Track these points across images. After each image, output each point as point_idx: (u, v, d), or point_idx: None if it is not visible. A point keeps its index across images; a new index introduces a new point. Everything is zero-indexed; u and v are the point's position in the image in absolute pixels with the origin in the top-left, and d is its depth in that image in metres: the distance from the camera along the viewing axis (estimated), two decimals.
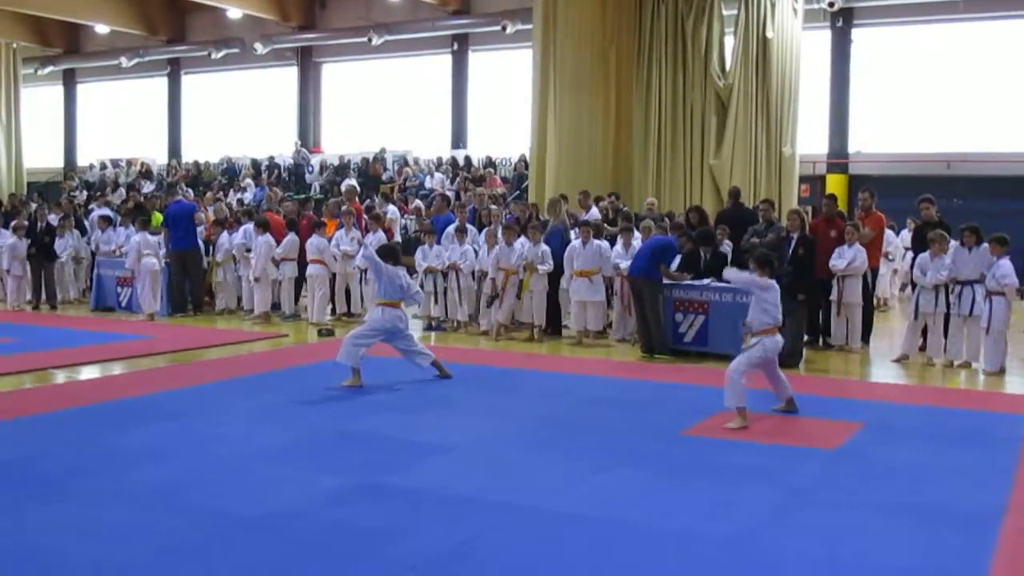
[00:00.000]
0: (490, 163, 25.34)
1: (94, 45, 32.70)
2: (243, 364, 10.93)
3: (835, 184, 21.56)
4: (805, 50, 20.02)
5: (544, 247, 12.75)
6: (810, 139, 21.21)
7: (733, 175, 19.26)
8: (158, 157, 31.67)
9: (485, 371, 10.48)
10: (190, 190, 22.81)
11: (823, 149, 22.51)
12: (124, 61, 31.19)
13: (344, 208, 15.32)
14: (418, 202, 21.37)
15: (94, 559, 4.77)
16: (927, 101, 21.79)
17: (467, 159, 25.44)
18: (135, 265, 14.79)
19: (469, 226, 14.20)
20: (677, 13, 20.02)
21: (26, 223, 16.78)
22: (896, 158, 21.61)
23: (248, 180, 26.39)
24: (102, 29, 30.54)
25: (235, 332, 13.56)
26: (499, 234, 13.07)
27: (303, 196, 22.85)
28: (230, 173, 28.35)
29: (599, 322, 12.65)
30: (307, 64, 29.98)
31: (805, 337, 11.69)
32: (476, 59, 27.37)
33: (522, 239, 12.94)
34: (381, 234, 14.26)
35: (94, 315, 15.69)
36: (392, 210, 18.51)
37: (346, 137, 29.09)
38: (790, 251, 11.15)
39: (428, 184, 24.30)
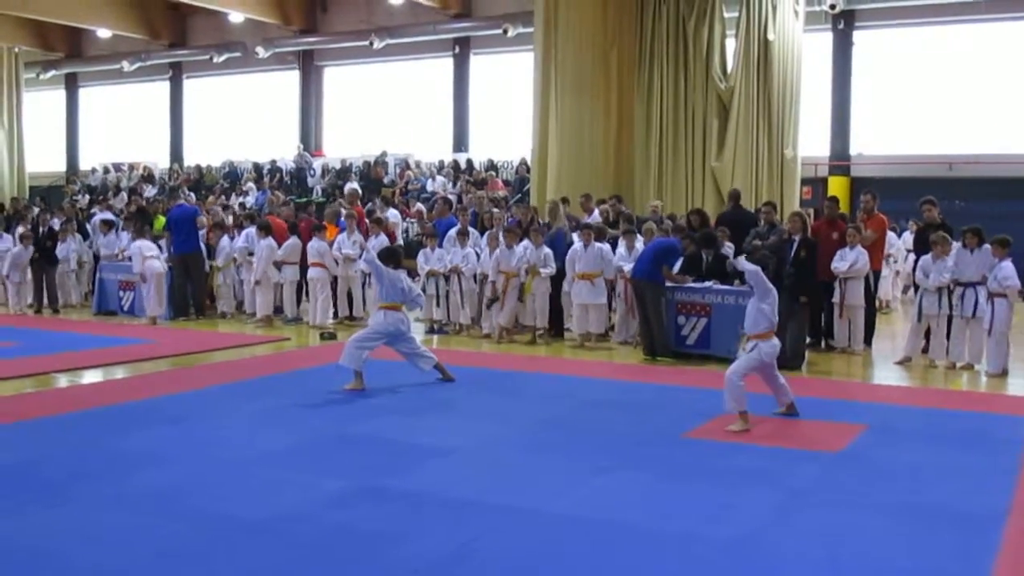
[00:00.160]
0: (492, 166, 25.37)
1: (96, 49, 32.79)
2: (245, 368, 10.94)
3: (837, 186, 21.57)
4: (806, 52, 20.05)
5: (547, 250, 12.76)
6: (812, 141, 21.24)
7: (735, 177, 19.27)
8: (160, 161, 31.75)
9: (487, 374, 10.48)
10: (192, 194, 22.82)
11: (825, 151, 22.53)
12: (126, 65, 31.27)
13: (346, 211, 15.33)
14: (420, 205, 21.38)
15: (96, 563, 4.77)
16: (929, 103, 21.81)
17: (469, 162, 25.47)
18: (142, 268, 14.77)
19: (471, 229, 14.21)
20: (678, 15, 20.05)
21: (31, 232, 16.77)
22: (898, 160, 21.62)
23: (250, 184, 26.43)
24: (104, 33, 30.63)
25: (237, 336, 13.56)
26: (500, 237, 13.07)
27: (305, 200, 22.90)
28: (232, 177, 28.40)
29: (601, 325, 12.66)
30: (309, 68, 30.02)
31: (807, 339, 11.68)
32: (477, 62, 27.41)
33: (525, 242, 12.95)
34: (383, 238, 14.26)
35: (96, 319, 15.70)
36: (393, 214, 18.52)
37: (348, 141, 29.15)
38: (792, 253, 11.14)
39: (430, 187, 24.33)
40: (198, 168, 29.51)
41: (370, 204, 19.33)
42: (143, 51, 31.08)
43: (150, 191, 26.87)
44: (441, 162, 25.99)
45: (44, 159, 33.47)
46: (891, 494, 5.96)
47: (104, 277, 16.39)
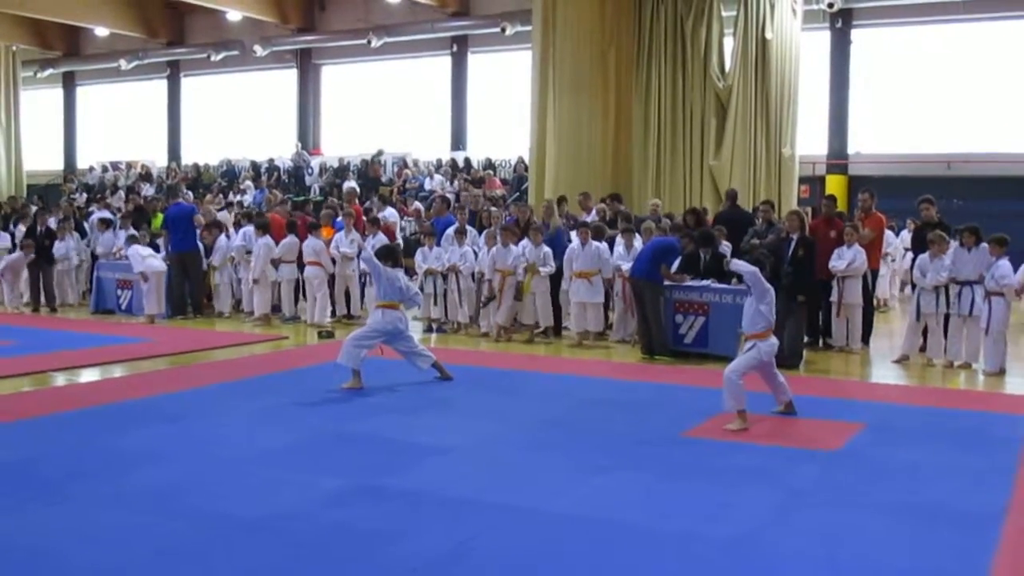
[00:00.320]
0: (490, 165, 25.36)
1: (94, 48, 32.75)
2: (243, 366, 10.93)
3: (835, 185, 21.58)
4: (804, 51, 20.06)
5: (546, 249, 12.76)
6: (810, 140, 21.24)
7: (733, 176, 19.29)
8: (158, 159, 31.72)
9: (485, 372, 10.48)
10: (190, 192, 22.81)
11: (823, 150, 22.53)
12: (124, 64, 31.23)
13: (344, 210, 15.33)
14: (418, 204, 21.38)
15: (94, 561, 4.76)
16: (927, 102, 21.81)
17: (467, 161, 25.46)
18: (143, 268, 14.72)
19: (469, 228, 14.21)
20: (676, 14, 20.06)
21: (32, 240, 16.75)
22: (896, 159, 21.63)
23: (248, 182, 26.41)
24: (102, 32, 30.58)
25: (235, 334, 13.55)
26: (498, 236, 13.07)
27: (302, 198, 22.89)
28: (230, 175, 28.37)
29: (599, 323, 12.66)
30: (306, 66, 30.00)
31: (805, 338, 11.69)
32: (475, 61, 27.39)
33: (525, 241, 12.96)
34: (381, 236, 14.25)
35: (94, 318, 15.68)
36: (391, 212, 18.51)
37: (346, 139, 29.13)
38: (790, 252, 11.14)
39: (428, 186, 24.32)
40: (196, 167, 29.49)
41: (368, 203, 19.33)
42: (141, 49, 31.04)
43: (148, 190, 26.85)
44: (439, 160, 25.99)
45: (42, 158, 33.43)
46: (889, 493, 5.96)
47: (101, 276, 16.37)
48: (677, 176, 20.14)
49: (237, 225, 16.03)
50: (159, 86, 32.75)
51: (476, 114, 27.43)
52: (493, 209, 15.96)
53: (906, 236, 17.12)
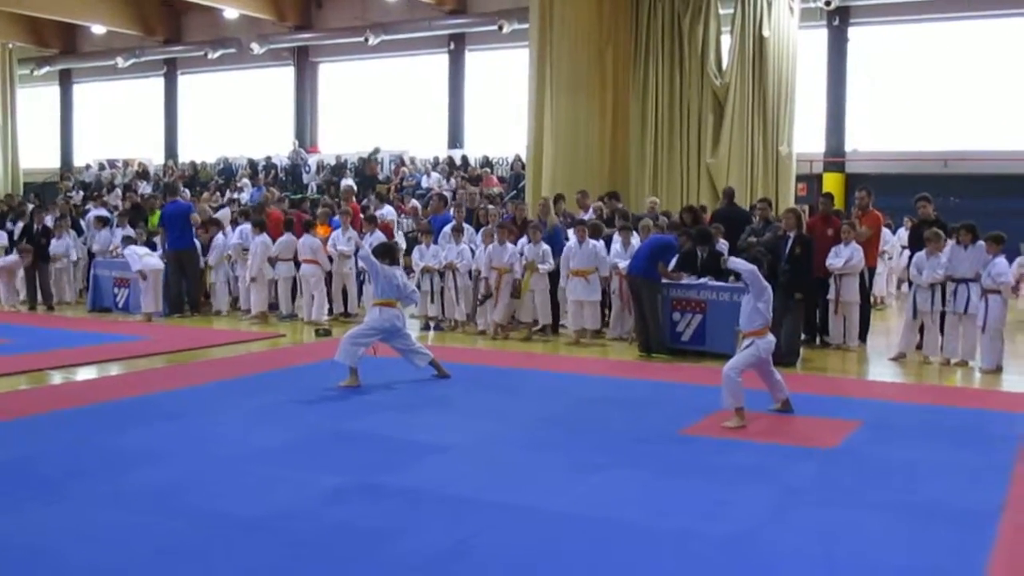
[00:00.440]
0: (487, 162, 25.35)
1: (90, 45, 32.69)
2: (241, 364, 10.93)
3: (832, 183, 21.58)
4: (801, 49, 20.05)
5: (545, 246, 12.78)
6: (807, 138, 21.24)
7: (730, 174, 19.28)
8: (154, 157, 31.69)
9: (483, 370, 10.48)
10: (186, 190, 22.78)
11: (820, 148, 22.54)
12: (120, 61, 31.17)
13: (341, 208, 15.33)
14: (415, 202, 21.37)
15: (92, 560, 4.76)
16: (924, 99, 21.83)
17: (464, 158, 25.45)
18: (141, 266, 14.69)
19: (466, 225, 14.21)
20: (673, 12, 20.04)
21: (29, 239, 16.74)
22: (893, 156, 21.65)
23: (245, 180, 26.38)
24: (98, 29, 30.52)
25: (232, 332, 13.55)
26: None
27: (300, 196, 22.88)
28: (227, 173, 28.35)
29: (596, 321, 12.67)
30: (303, 64, 29.97)
31: (802, 336, 11.70)
32: (472, 58, 27.37)
33: (524, 239, 12.98)
34: (379, 234, 14.25)
35: (91, 316, 15.67)
36: (389, 210, 18.51)
37: (343, 137, 29.11)
38: (787, 250, 11.15)
39: (425, 183, 24.30)
40: (193, 164, 29.46)
41: (365, 200, 19.32)
42: (137, 47, 31.00)
43: (145, 187, 26.82)
44: (436, 158, 25.97)
45: (38, 155, 33.38)
46: (886, 490, 5.97)
47: (98, 274, 16.36)
48: (674, 174, 20.13)
49: (234, 223, 16.01)
50: (156, 84, 32.70)
51: (473, 112, 27.41)
52: (491, 207, 15.96)
53: (903, 234, 17.14)
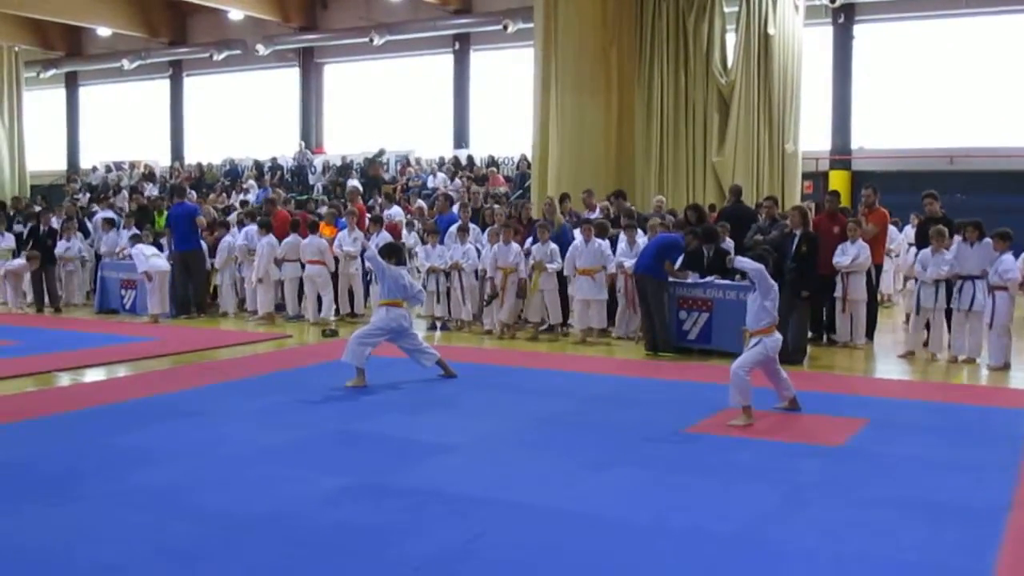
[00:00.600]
0: (493, 162, 25.34)
1: (96, 48, 32.77)
2: (247, 365, 10.94)
3: (838, 180, 21.53)
4: (807, 46, 20.02)
5: (553, 246, 12.78)
6: (813, 136, 21.21)
7: (736, 172, 19.26)
8: (161, 159, 31.76)
9: (489, 370, 10.48)
10: (193, 192, 22.83)
11: (826, 146, 22.52)
12: (126, 64, 31.25)
13: (347, 208, 15.35)
14: (420, 202, 21.39)
15: (95, 560, 4.77)
16: (930, 97, 21.78)
17: (469, 158, 25.45)
18: (147, 267, 14.72)
19: (472, 225, 14.21)
20: (678, 10, 20.02)
21: (35, 242, 16.79)
22: (899, 154, 21.61)
23: (251, 181, 26.42)
24: (104, 32, 30.60)
25: (239, 333, 13.57)
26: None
27: (305, 197, 22.91)
28: (233, 175, 28.39)
29: (602, 320, 12.66)
30: (309, 65, 30.02)
31: (809, 334, 11.68)
32: (478, 58, 27.39)
33: (530, 238, 12.99)
34: (386, 235, 14.26)
35: (98, 317, 15.70)
36: (397, 211, 18.53)
37: (348, 137, 29.13)
38: (793, 248, 11.13)
39: (431, 184, 24.31)
40: (199, 166, 29.51)
41: (371, 201, 19.33)
42: (143, 49, 31.06)
43: (151, 189, 26.87)
44: (442, 158, 25.98)
45: (45, 158, 33.49)
46: (893, 488, 5.95)
47: (105, 276, 16.40)
48: (680, 172, 20.11)
49: (240, 224, 16.04)
50: (162, 86, 32.77)
51: (479, 112, 27.43)
52: (496, 206, 15.95)
53: (910, 231, 17.09)
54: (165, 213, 16.95)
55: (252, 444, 7.07)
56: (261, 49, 28.72)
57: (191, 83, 32.49)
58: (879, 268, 13.06)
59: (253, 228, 15.04)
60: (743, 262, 8.05)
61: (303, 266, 14.49)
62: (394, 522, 5.29)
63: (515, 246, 12.91)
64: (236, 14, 28.18)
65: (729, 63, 19.94)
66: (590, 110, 19.56)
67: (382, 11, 27.38)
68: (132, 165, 31.12)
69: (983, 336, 10.71)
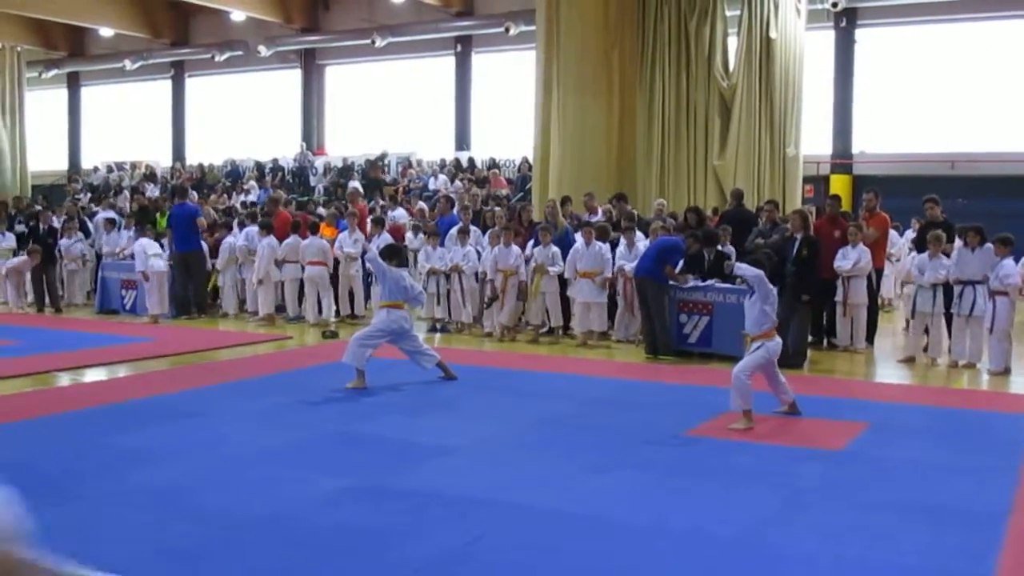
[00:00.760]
0: (494, 164, 25.34)
1: (98, 48, 32.81)
2: (247, 366, 10.94)
3: (839, 185, 21.54)
4: (808, 50, 20.03)
5: (554, 248, 12.78)
6: (814, 140, 21.21)
7: (737, 176, 19.28)
8: (162, 160, 31.77)
9: (489, 372, 10.48)
10: (194, 192, 22.81)
11: (827, 150, 22.50)
12: (128, 64, 31.27)
13: (348, 210, 15.35)
14: (422, 204, 21.38)
15: (95, 561, 4.69)
16: (931, 101, 21.78)
17: (471, 160, 25.45)
18: (145, 267, 14.75)
19: (472, 227, 14.21)
20: (680, 14, 20.05)
21: (35, 240, 16.79)
22: (900, 158, 21.59)
23: (252, 182, 26.43)
24: (106, 32, 30.65)
25: (239, 334, 13.57)
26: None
27: (306, 198, 22.91)
28: (234, 175, 28.40)
29: (602, 323, 12.66)
30: (310, 66, 30.03)
31: (810, 338, 11.68)
32: (479, 61, 27.40)
33: (531, 240, 12.99)
34: (387, 236, 14.26)
35: (98, 318, 15.70)
36: (401, 213, 18.53)
37: (350, 139, 29.15)
38: (794, 252, 11.13)
39: (432, 186, 24.31)
40: (200, 167, 29.51)
41: (372, 203, 19.33)
42: (145, 50, 31.09)
43: (152, 190, 26.87)
44: (443, 160, 25.98)
45: (46, 158, 33.50)
46: (893, 492, 5.95)
47: (106, 276, 16.41)
48: (681, 176, 20.13)
49: (241, 225, 16.04)
50: (163, 86, 32.79)
51: (480, 114, 27.44)
52: (497, 209, 15.96)
53: (911, 236, 17.07)
54: (166, 213, 16.97)
55: (252, 445, 7.07)
56: (263, 50, 28.75)
57: (193, 84, 32.50)
58: (880, 272, 13.06)
59: (254, 229, 15.05)
60: (743, 268, 8.05)
61: (303, 267, 14.49)
62: (394, 524, 5.29)
63: (515, 248, 12.91)
64: (238, 15, 28.23)
65: (731, 67, 19.95)
66: (591, 113, 19.57)
67: (384, 13, 27.40)
68: (133, 165, 31.14)
69: (983, 341, 10.71)
